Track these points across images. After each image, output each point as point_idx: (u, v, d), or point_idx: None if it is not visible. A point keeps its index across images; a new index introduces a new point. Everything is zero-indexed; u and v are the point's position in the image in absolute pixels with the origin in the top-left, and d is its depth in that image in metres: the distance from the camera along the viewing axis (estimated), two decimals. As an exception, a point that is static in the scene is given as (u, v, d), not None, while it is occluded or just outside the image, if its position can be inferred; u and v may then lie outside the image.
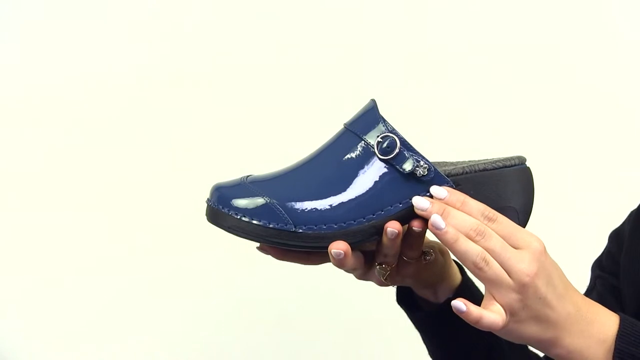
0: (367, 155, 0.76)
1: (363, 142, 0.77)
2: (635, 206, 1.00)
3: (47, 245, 1.58)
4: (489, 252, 0.72)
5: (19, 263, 1.58)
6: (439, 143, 1.54)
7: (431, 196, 0.75)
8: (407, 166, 0.75)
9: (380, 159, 0.76)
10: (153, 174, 1.59)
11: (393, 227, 0.74)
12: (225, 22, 1.58)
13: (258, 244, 0.79)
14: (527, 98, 1.59)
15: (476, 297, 0.89)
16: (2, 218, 1.58)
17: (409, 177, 0.76)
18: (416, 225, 0.75)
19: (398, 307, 0.93)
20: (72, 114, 1.58)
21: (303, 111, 1.58)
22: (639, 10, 1.58)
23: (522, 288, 0.72)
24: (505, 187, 0.77)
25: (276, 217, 0.75)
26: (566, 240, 1.37)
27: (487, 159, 0.79)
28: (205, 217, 0.80)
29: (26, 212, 1.58)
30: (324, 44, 1.58)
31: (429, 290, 0.88)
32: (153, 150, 1.58)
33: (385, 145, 0.76)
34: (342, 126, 0.80)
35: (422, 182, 0.75)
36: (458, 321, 0.85)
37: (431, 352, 0.95)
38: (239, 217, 0.76)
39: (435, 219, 0.72)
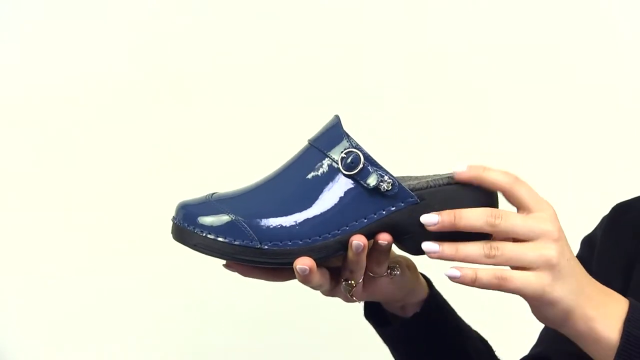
0: (331, 171, 0.76)
1: (327, 158, 0.76)
2: (606, 212, 1.00)
3: (47, 245, 1.58)
4: (513, 251, 0.72)
5: (19, 263, 1.58)
6: (438, 143, 1.54)
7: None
8: (371, 181, 0.75)
9: (345, 175, 0.75)
10: (153, 174, 1.59)
11: (358, 240, 0.74)
12: (225, 22, 1.58)
13: (224, 262, 0.80)
14: (527, 98, 1.59)
15: (444, 310, 0.89)
16: (2, 218, 1.58)
17: (373, 192, 0.75)
18: (382, 238, 0.75)
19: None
20: (71, 113, 1.58)
21: (303, 111, 1.58)
22: (639, 10, 1.58)
23: (556, 242, 0.72)
24: (469, 201, 0.76)
25: (241, 234, 0.76)
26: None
27: (450, 173, 0.79)
28: (171, 235, 0.82)
29: (26, 212, 1.58)
30: (324, 44, 1.58)
31: (396, 305, 0.88)
32: (153, 150, 1.58)
33: (349, 160, 0.75)
34: (306, 142, 0.79)
35: (386, 197, 0.75)
36: (427, 336, 0.85)
37: None
38: (204, 234, 0.80)
39: (451, 272, 0.72)
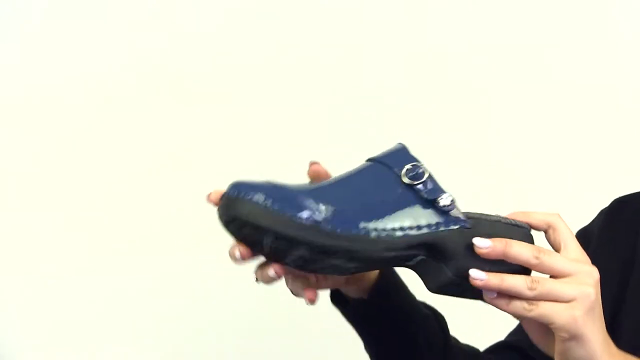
0: (393, 179, 0.76)
1: (391, 170, 0.77)
2: (605, 205, 1.00)
3: (47, 245, 1.58)
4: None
5: (19, 263, 1.58)
6: (438, 143, 1.54)
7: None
8: (431, 194, 0.75)
9: (406, 184, 0.76)
10: (153, 174, 1.59)
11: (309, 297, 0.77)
12: (225, 22, 1.58)
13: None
14: (527, 98, 1.59)
15: (398, 284, 0.89)
16: (2, 218, 1.58)
17: (429, 205, 0.75)
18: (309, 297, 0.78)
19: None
20: (71, 113, 1.58)
21: (303, 111, 1.58)
22: (639, 10, 1.58)
23: (594, 284, 0.72)
24: (515, 238, 0.76)
25: (308, 208, 0.73)
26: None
27: (500, 216, 0.80)
28: (220, 218, 0.77)
29: (26, 212, 1.58)
30: (324, 44, 1.58)
31: (351, 289, 0.87)
32: (153, 150, 1.58)
33: (413, 172, 0.76)
34: (366, 161, 0.80)
35: (440, 213, 0.75)
36: (374, 321, 0.85)
37: (366, 349, 0.94)
38: (267, 204, 0.73)
39: (476, 274, 0.73)
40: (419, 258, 0.76)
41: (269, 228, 0.73)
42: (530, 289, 0.71)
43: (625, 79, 1.57)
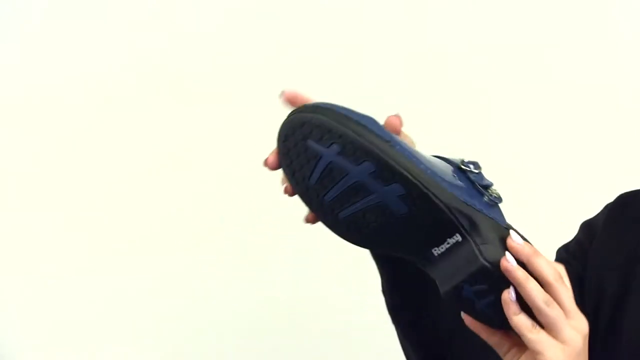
0: (452, 167, 0.78)
1: (448, 160, 0.80)
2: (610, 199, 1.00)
3: (47, 245, 1.58)
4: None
5: (19, 263, 1.58)
6: (438, 143, 1.54)
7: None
8: (484, 183, 0.78)
9: (463, 172, 0.78)
10: (153, 174, 1.59)
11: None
12: (225, 22, 1.58)
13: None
14: (527, 98, 1.59)
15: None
16: (2, 218, 1.58)
17: (483, 192, 0.78)
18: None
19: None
20: (71, 113, 1.58)
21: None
22: (639, 10, 1.58)
23: (585, 335, 0.74)
24: None
25: (379, 128, 0.75)
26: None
27: None
28: (285, 125, 0.77)
29: (26, 212, 1.58)
30: (324, 44, 1.58)
31: None
32: (153, 150, 1.58)
33: (472, 163, 0.79)
34: None
35: (492, 202, 0.78)
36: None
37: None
38: (347, 114, 0.75)
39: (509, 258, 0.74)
40: (455, 240, 0.75)
41: (340, 132, 0.73)
42: (546, 302, 0.72)
43: (625, 79, 1.57)
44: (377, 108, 1.69)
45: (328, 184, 0.75)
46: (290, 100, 0.78)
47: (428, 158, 0.77)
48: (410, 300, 0.80)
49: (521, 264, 0.74)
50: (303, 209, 0.79)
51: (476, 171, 0.79)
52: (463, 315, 0.77)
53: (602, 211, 1.01)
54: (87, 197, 1.58)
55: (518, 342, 0.75)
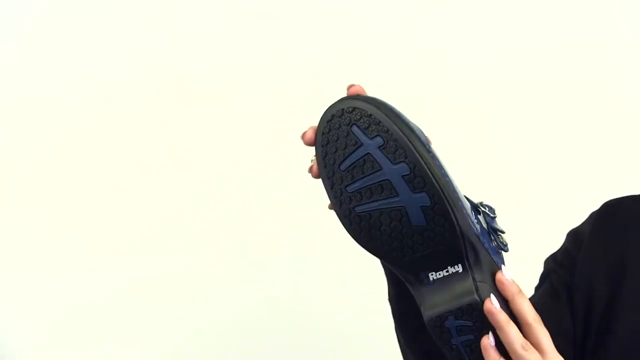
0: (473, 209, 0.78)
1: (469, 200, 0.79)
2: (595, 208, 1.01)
3: (47, 245, 1.58)
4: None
5: (19, 263, 1.58)
6: (438, 143, 1.54)
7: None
8: (500, 227, 0.78)
9: (479, 210, 0.78)
10: (153, 174, 1.59)
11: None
12: (225, 22, 1.58)
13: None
14: (526, 98, 1.59)
15: None
16: (2, 218, 1.58)
17: (493, 234, 0.78)
18: None
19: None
20: (71, 113, 1.58)
21: (303, 111, 1.58)
22: (639, 10, 1.58)
23: None
24: None
25: (420, 133, 0.75)
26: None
27: None
28: (332, 107, 0.78)
29: (26, 212, 1.58)
30: (324, 44, 1.58)
31: None
32: (153, 150, 1.58)
33: (487, 208, 0.79)
34: None
35: (498, 247, 0.77)
36: None
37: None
38: (398, 112, 0.74)
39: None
40: (455, 270, 0.75)
41: (388, 127, 0.73)
42: (523, 347, 0.74)
43: (625, 79, 1.57)
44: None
45: (357, 175, 0.74)
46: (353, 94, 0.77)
47: (456, 184, 0.76)
48: (417, 308, 0.81)
49: (505, 301, 0.75)
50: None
51: (492, 215, 0.79)
52: None
53: (587, 219, 1.01)
54: (87, 197, 1.58)
55: None
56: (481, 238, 0.75)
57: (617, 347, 0.87)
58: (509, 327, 0.73)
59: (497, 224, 0.79)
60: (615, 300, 0.91)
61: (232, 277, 1.59)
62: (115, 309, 1.58)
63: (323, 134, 0.76)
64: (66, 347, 1.59)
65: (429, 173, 0.72)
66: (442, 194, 0.72)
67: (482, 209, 0.78)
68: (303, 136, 0.77)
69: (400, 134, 0.73)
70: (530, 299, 0.96)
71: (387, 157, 0.73)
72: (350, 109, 0.75)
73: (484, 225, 0.77)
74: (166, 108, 1.58)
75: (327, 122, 0.76)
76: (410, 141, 0.73)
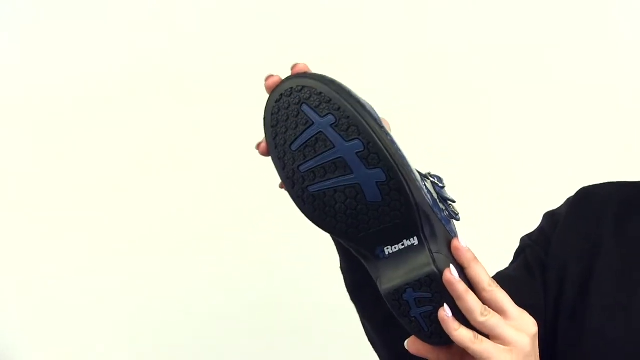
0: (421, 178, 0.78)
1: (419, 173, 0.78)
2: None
3: (47, 245, 1.58)
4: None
5: (19, 263, 1.58)
6: (438, 143, 1.54)
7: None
8: (450, 196, 0.77)
9: (429, 180, 0.77)
10: (153, 174, 1.59)
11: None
12: (225, 22, 1.58)
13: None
14: (526, 98, 1.59)
15: None
16: (2, 218, 1.58)
17: (444, 202, 0.77)
18: None
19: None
20: (71, 113, 1.58)
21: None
22: (639, 10, 1.58)
23: (534, 335, 0.75)
24: None
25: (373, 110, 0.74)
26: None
27: None
28: (281, 86, 0.77)
29: (26, 212, 1.58)
30: (324, 44, 1.58)
31: None
32: (153, 150, 1.58)
33: (436, 178, 0.78)
34: None
35: (450, 216, 0.77)
36: None
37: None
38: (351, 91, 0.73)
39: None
40: (410, 243, 0.74)
41: (339, 105, 0.72)
42: (482, 314, 0.74)
43: (625, 79, 1.58)
44: (377, 108, 1.69)
45: (309, 154, 0.73)
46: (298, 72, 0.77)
47: (408, 158, 0.76)
48: (371, 277, 0.81)
49: (461, 269, 0.75)
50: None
51: (441, 185, 0.78)
52: (408, 344, 0.77)
53: (564, 203, 1.04)
54: (86, 198, 1.58)
55: (464, 354, 0.76)
56: (434, 209, 0.75)
57: (588, 329, 0.87)
58: (468, 296, 0.73)
59: (446, 193, 0.78)
60: (588, 283, 0.92)
61: (233, 277, 1.60)
62: (116, 309, 1.58)
63: (272, 114, 0.77)
64: (66, 347, 1.59)
65: (383, 149, 0.71)
66: (397, 169, 0.71)
67: (431, 179, 0.78)
68: (258, 147, 0.78)
69: (353, 111, 0.72)
70: (504, 271, 0.98)
71: (339, 134, 0.72)
72: (299, 88, 0.74)
73: (435, 195, 0.76)
74: (166, 108, 1.58)
75: (276, 101, 0.77)
76: (362, 118, 0.72)
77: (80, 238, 1.58)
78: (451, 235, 0.76)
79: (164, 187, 1.58)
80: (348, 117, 0.72)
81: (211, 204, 1.57)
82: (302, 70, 0.77)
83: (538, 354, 0.76)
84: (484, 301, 0.75)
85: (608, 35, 1.57)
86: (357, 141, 0.72)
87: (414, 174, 0.74)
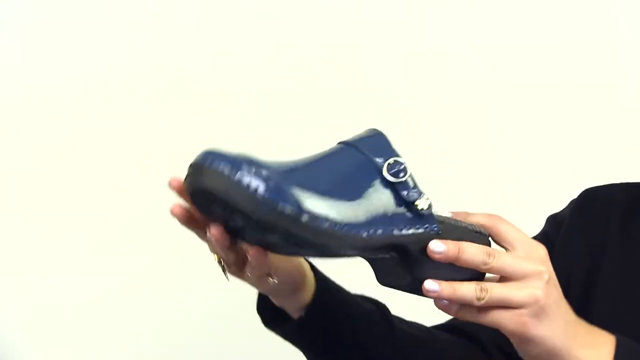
0: (373, 173, 0.72)
1: (371, 161, 0.73)
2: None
3: (46, 245, 1.58)
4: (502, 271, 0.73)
5: (19, 263, 1.58)
6: (439, 143, 1.54)
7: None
8: (412, 195, 0.72)
9: (387, 181, 0.72)
10: (153, 174, 1.58)
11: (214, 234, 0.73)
12: (225, 22, 1.58)
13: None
14: (527, 98, 1.59)
15: (332, 308, 0.86)
16: (2, 218, 1.58)
17: (406, 207, 0.72)
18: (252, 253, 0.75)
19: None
20: (71, 113, 1.58)
21: (303, 111, 1.58)
22: (639, 10, 1.58)
23: (544, 282, 0.72)
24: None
25: (280, 193, 0.67)
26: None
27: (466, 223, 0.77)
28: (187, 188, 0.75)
29: (26, 212, 1.58)
30: (324, 44, 1.58)
31: (287, 301, 0.86)
32: (153, 151, 1.58)
33: (395, 169, 0.73)
34: (339, 144, 0.76)
35: (415, 216, 0.72)
36: (313, 339, 0.85)
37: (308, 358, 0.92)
38: (228, 173, 0.68)
39: (429, 285, 0.73)
40: (389, 255, 0.73)
41: (235, 206, 0.68)
42: (479, 298, 0.72)
43: (625, 79, 1.58)
44: (378, 108, 1.70)
45: (243, 235, 0.73)
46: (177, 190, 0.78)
47: (345, 207, 0.70)
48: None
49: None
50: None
51: (401, 179, 0.72)
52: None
53: (567, 206, 1.03)
54: (86, 198, 1.58)
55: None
56: (392, 230, 0.71)
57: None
58: (456, 295, 0.71)
59: (409, 188, 0.73)
60: (593, 284, 0.92)
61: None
62: (116, 309, 1.58)
63: (197, 206, 0.77)
64: (66, 346, 1.59)
65: (307, 240, 0.68)
66: (322, 250, 0.70)
67: (393, 179, 0.72)
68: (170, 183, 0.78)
69: (250, 212, 0.68)
70: None
71: (256, 231, 0.70)
72: (197, 191, 0.74)
73: (396, 193, 0.72)
74: (166, 108, 1.58)
75: (191, 199, 0.77)
76: (268, 214, 0.67)
77: (80, 238, 1.58)
78: (427, 231, 0.72)
79: (164, 186, 1.58)
80: (254, 219, 0.68)
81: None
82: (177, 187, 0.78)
83: (555, 297, 0.74)
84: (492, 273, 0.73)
85: (608, 35, 1.57)
86: (275, 235, 0.70)
87: (351, 227, 0.70)
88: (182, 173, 1.52)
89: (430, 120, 1.58)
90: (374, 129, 0.77)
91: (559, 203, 1.07)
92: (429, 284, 0.72)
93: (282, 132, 1.57)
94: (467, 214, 0.75)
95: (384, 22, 1.58)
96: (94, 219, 1.58)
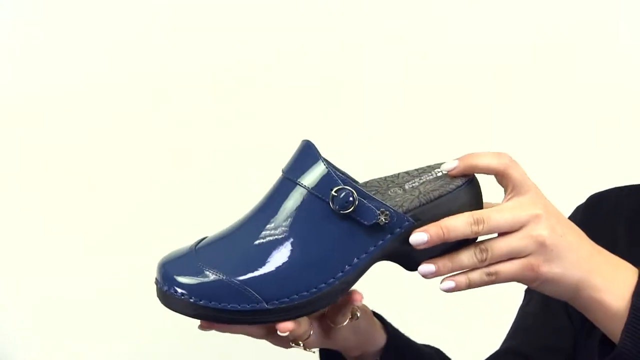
0: (325, 212, 0.71)
1: (316, 197, 0.71)
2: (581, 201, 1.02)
3: (46, 245, 1.58)
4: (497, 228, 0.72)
5: (19, 263, 1.58)
6: (439, 143, 1.54)
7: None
8: (369, 219, 0.71)
9: (340, 214, 0.71)
10: (153, 174, 1.59)
11: (285, 329, 0.73)
12: (225, 22, 1.58)
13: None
14: (527, 98, 1.59)
15: (403, 353, 0.87)
16: (2, 218, 1.58)
17: (370, 226, 0.72)
18: (357, 300, 0.75)
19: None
20: (70, 113, 1.58)
21: (302, 111, 1.58)
22: (639, 10, 1.58)
23: (543, 222, 0.72)
24: (458, 206, 0.74)
25: (241, 297, 0.70)
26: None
27: (429, 173, 0.77)
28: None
29: (26, 212, 1.58)
30: (324, 44, 1.58)
31: (354, 354, 0.85)
32: (152, 151, 1.58)
33: (342, 200, 0.71)
34: (282, 174, 0.75)
35: (384, 228, 0.72)
36: None
37: None
38: (192, 300, 0.74)
39: (446, 285, 0.73)
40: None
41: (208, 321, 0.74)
42: (481, 260, 0.72)
43: (625, 79, 1.57)
44: (378, 108, 1.70)
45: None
46: None
47: (300, 260, 0.71)
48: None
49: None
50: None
51: (352, 211, 0.71)
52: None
53: (574, 213, 1.03)
54: (86, 197, 1.58)
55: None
56: (363, 260, 0.72)
57: (602, 337, 0.87)
58: (457, 264, 0.72)
59: (368, 216, 0.71)
60: None
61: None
62: (116, 308, 1.58)
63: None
64: (66, 346, 1.59)
65: (301, 314, 0.72)
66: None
67: (350, 212, 0.71)
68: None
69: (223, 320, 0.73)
70: (522, 310, 0.96)
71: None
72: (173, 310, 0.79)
73: (363, 222, 0.72)
74: (166, 108, 1.58)
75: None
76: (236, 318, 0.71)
77: (79, 238, 1.58)
78: (402, 230, 0.72)
79: (165, 186, 1.58)
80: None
81: (211, 204, 1.57)
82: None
83: (563, 232, 0.73)
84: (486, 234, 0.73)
85: (608, 36, 1.57)
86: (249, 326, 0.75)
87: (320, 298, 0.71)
88: (181, 174, 1.51)
89: (430, 120, 1.58)
90: (305, 143, 0.75)
91: (559, 203, 1.07)
92: (424, 268, 0.72)
93: (282, 132, 1.57)
94: (473, 155, 0.75)
95: (384, 23, 1.58)
96: (93, 218, 1.58)
